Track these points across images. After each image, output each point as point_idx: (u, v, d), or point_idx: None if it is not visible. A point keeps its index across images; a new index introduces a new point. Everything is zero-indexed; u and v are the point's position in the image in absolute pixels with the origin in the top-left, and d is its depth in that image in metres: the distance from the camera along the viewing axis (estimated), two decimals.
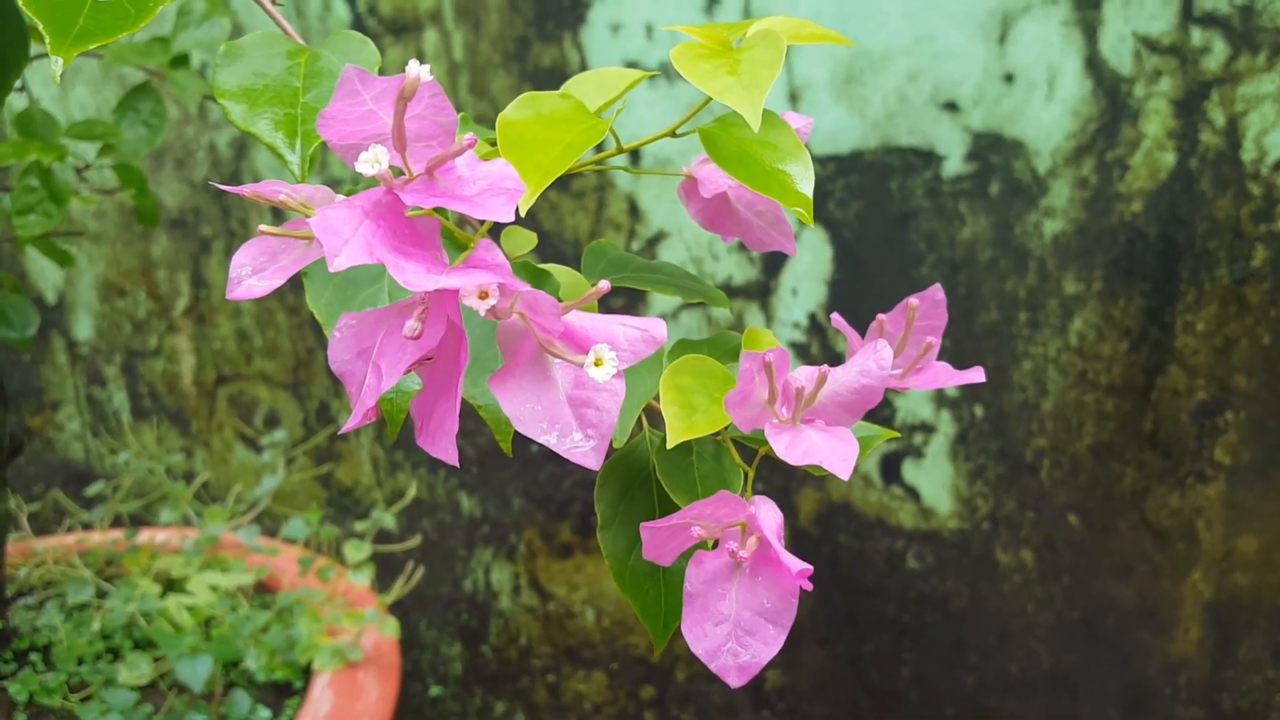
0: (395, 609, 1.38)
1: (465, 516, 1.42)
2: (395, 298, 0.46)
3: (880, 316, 0.47)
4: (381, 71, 0.47)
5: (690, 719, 1.42)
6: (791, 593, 0.40)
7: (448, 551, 1.44)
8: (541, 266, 0.47)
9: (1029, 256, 1.17)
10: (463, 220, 0.48)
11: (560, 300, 0.40)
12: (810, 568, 0.39)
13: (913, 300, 0.46)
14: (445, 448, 0.37)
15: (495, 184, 0.36)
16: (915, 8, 1.13)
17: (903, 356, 0.47)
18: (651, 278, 0.54)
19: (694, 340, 0.51)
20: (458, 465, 0.36)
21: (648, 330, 0.38)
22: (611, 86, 0.47)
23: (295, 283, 0.47)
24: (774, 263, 1.24)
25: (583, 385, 0.38)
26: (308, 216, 0.39)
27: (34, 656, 1.05)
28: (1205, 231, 1.12)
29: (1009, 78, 1.13)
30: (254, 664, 1.03)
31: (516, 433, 0.42)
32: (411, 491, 1.40)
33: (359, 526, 1.18)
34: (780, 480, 1.31)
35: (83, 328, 1.48)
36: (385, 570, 1.36)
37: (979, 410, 1.23)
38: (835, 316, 0.46)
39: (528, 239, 0.50)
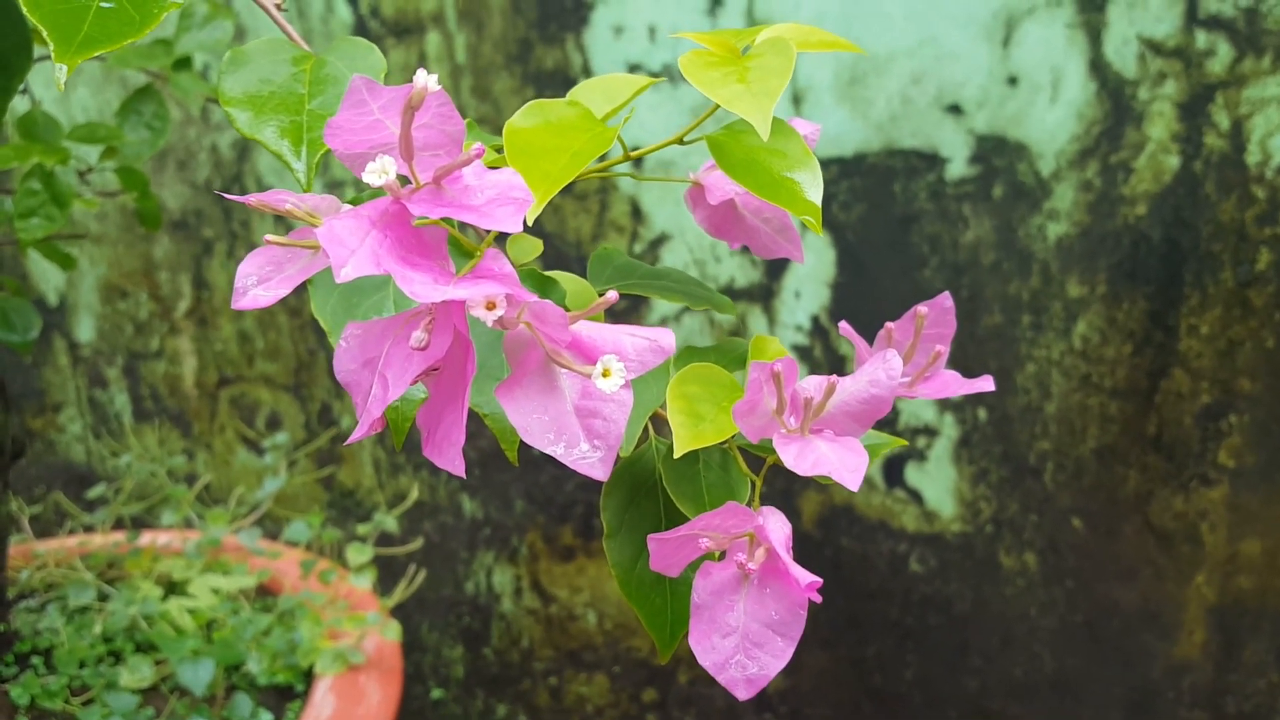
0: (397, 611, 1.37)
1: (467, 519, 1.42)
2: (400, 305, 0.46)
3: (889, 325, 0.46)
4: (387, 77, 0.46)
5: None
6: (800, 605, 0.40)
7: (449, 554, 1.44)
8: (547, 274, 0.47)
9: (1032, 259, 1.17)
10: (466, 224, 0.48)
11: (567, 309, 0.40)
12: (819, 580, 0.38)
13: (921, 308, 0.46)
14: (452, 459, 0.37)
15: (503, 193, 0.36)
16: (919, 10, 1.12)
17: (911, 364, 0.47)
18: (657, 284, 0.54)
19: (700, 348, 0.50)
20: (464, 476, 0.36)
21: (656, 340, 0.38)
22: (618, 93, 0.47)
23: (298, 285, 0.47)
24: (776, 265, 1.24)
25: (590, 395, 0.38)
26: (314, 226, 0.39)
27: (35, 659, 1.05)
28: (1209, 234, 1.12)
29: (1013, 80, 1.13)
30: (256, 667, 1.03)
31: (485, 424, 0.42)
32: (413, 494, 1.40)
33: (361, 529, 1.17)
34: (782, 483, 1.31)
35: (84, 329, 1.48)
36: (386, 573, 1.36)
37: (982, 413, 1.22)
38: (843, 325, 0.45)
39: (533, 246, 0.50)
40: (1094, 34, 1.10)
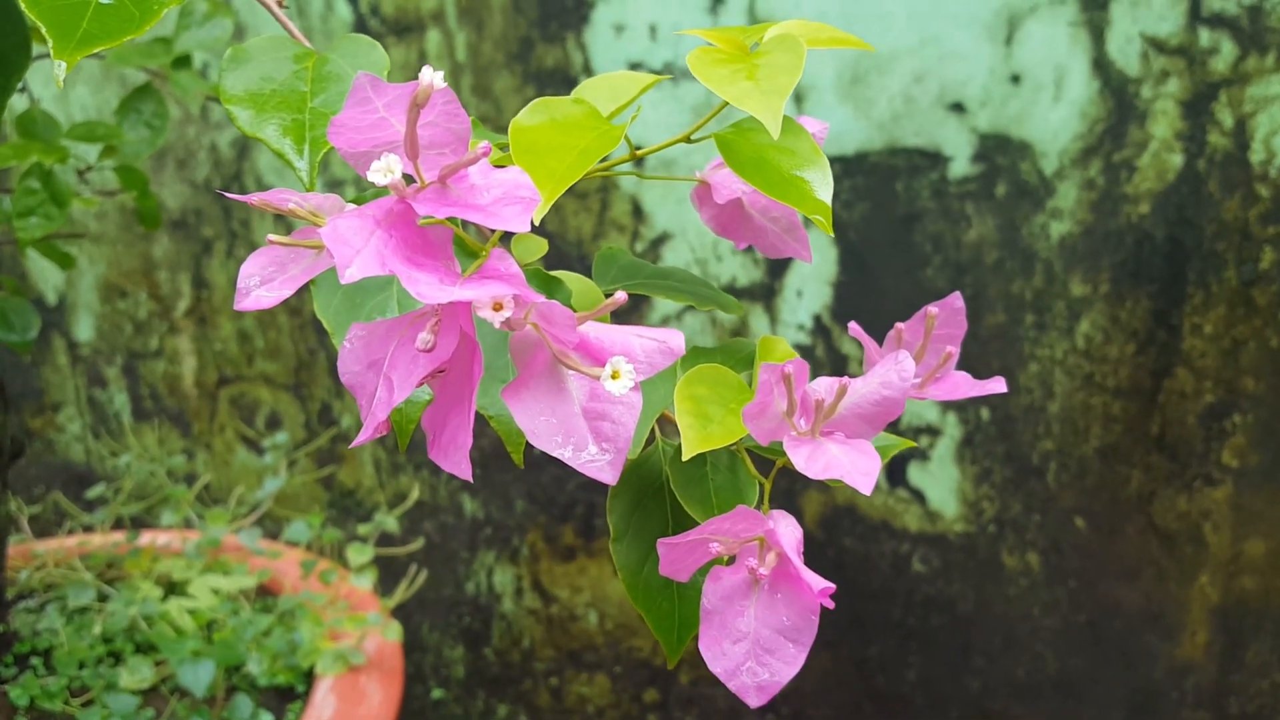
0: (397, 611, 1.37)
1: (468, 519, 1.41)
2: (404, 305, 0.46)
3: (899, 325, 0.46)
4: (388, 76, 0.46)
5: None
6: (812, 610, 0.39)
7: (450, 554, 1.43)
8: (552, 274, 0.47)
9: (1035, 258, 1.16)
10: (467, 223, 0.47)
11: (573, 309, 0.39)
12: (832, 586, 0.38)
13: (931, 309, 0.46)
14: (458, 462, 0.37)
15: (509, 192, 0.35)
16: (921, 9, 1.12)
17: (921, 365, 0.47)
18: (663, 284, 0.53)
19: (707, 348, 0.50)
20: (471, 480, 0.36)
21: (665, 342, 0.37)
22: (624, 91, 0.47)
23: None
24: (778, 264, 1.23)
25: (598, 398, 0.37)
26: (317, 225, 0.39)
27: (35, 660, 1.04)
28: (1213, 233, 1.11)
29: (1016, 79, 1.12)
30: (256, 668, 1.02)
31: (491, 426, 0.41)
32: (414, 494, 1.40)
33: (362, 529, 1.17)
34: (785, 482, 1.30)
35: (83, 329, 1.47)
36: (387, 573, 1.35)
37: (985, 413, 1.22)
38: (853, 326, 0.45)
39: (538, 245, 0.49)
40: (1097, 32, 1.09)
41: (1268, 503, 1.17)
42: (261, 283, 0.38)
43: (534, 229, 0.43)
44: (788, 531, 0.40)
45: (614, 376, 0.36)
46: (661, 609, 0.47)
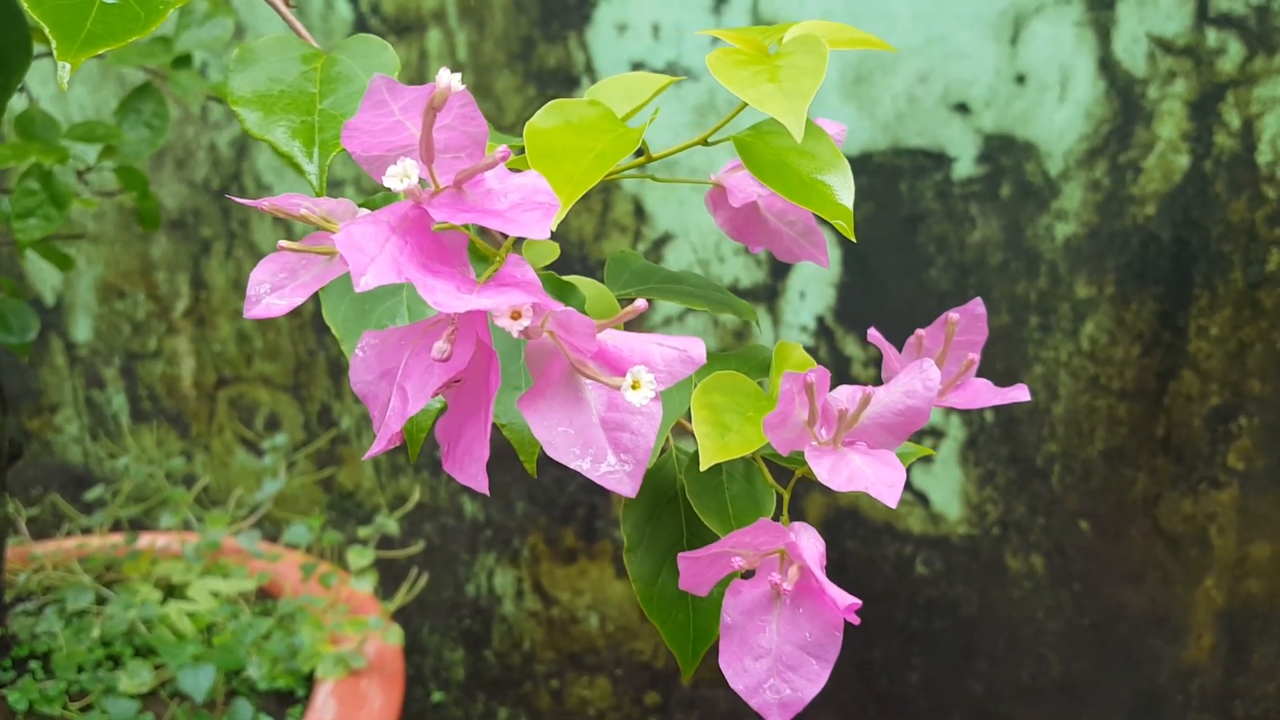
0: (396, 613, 1.36)
1: (468, 520, 1.40)
2: (414, 311, 0.45)
3: (919, 331, 0.45)
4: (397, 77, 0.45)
5: None
6: (835, 625, 0.38)
7: (450, 556, 1.42)
8: (565, 279, 0.46)
9: (1040, 260, 1.15)
10: (481, 229, 0.46)
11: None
12: (858, 601, 0.37)
13: (953, 314, 0.45)
14: (475, 474, 0.36)
15: (528, 198, 0.34)
16: (925, 8, 1.11)
17: (941, 373, 0.46)
18: (676, 289, 0.52)
19: (721, 354, 0.49)
20: (488, 492, 0.35)
21: (686, 350, 0.36)
22: (638, 92, 0.46)
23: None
24: (781, 265, 1.23)
25: (617, 407, 0.36)
26: (330, 231, 0.38)
27: (33, 664, 1.03)
28: (1219, 235, 1.11)
29: (1021, 79, 1.11)
30: (256, 672, 1.01)
31: (502, 434, 0.41)
32: (415, 496, 1.39)
33: (362, 532, 1.16)
34: (785, 483, 1.29)
35: (81, 329, 1.46)
36: (386, 574, 1.34)
37: (989, 415, 1.21)
38: (872, 332, 0.44)
39: (549, 250, 0.48)
40: (1103, 32, 1.08)
41: (1273, 506, 1.16)
42: (272, 290, 0.38)
43: None
44: (810, 544, 0.39)
45: (634, 387, 0.35)
46: (676, 620, 0.46)
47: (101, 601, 1.11)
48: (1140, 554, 1.21)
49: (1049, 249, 1.15)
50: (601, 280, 0.52)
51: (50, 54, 0.42)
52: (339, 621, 1.07)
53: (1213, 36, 1.06)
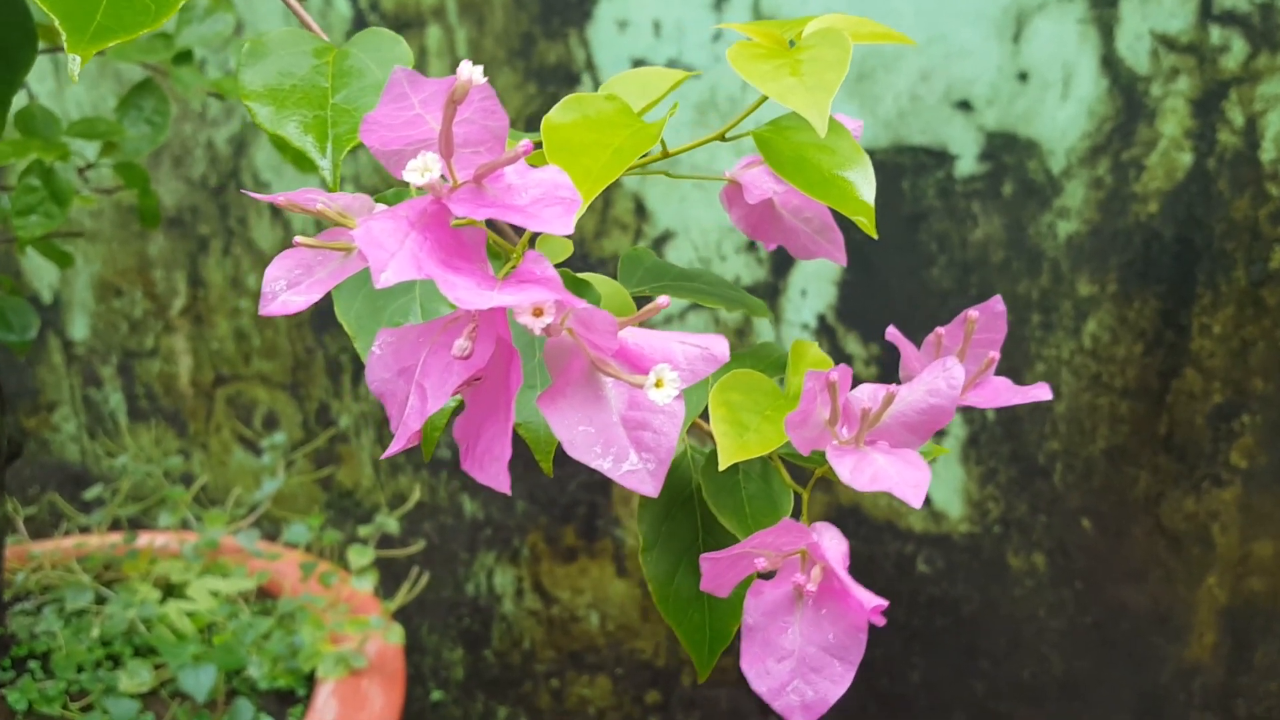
0: (397, 613, 1.35)
1: (468, 519, 1.40)
2: (427, 308, 0.44)
3: (939, 330, 0.44)
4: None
5: None
6: (859, 626, 0.38)
7: (450, 555, 1.42)
8: (580, 276, 0.45)
9: (1042, 258, 1.15)
10: (491, 223, 0.46)
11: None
12: (884, 602, 0.37)
13: (972, 312, 0.44)
14: (496, 474, 0.35)
15: (549, 193, 0.34)
16: (928, 6, 1.11)
17: None
18: (690, 286, 0.52)
19: (736, 353, 0.49)
20: (509, 492, 0.34)
21: (708, 348, 0.36)
22: (654, 87, 0.45)
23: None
24: (782, 263, 1.22)
25: (638, 406, 0.36)
26: (345, 227, 0.37)
27: (33, 664, 1.03)
28: (1222, 233, 1.10)
29: (1023, 76, 1.11)
30: (256, 672, 1.01)
31: (516, 432, 0.40)
32: (415, 495, 1.38)
33: (362, 531, 1.15)
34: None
35: (79, 328, 1.46)
36: (386, 574, 1.34)
37: (990, 413, 1.21)
38: (891, 330, 0.44)
39: (563, 247, 0.48)
40: (1106, 29, 1.08)
41: (1276, 504, 1.16)
42: (288, 286, 0.37)
43: None
44: (833, 545, 0.39)
45: (658, 385, 0.34)
46: (693, 621, 0.45)
47: (101, 601, 1.10)
48: (1142, 552, 1.21)
49: (1051, 247, 1.15)
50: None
51: (49, 50, 0.41)
52: (339, 621, 1.06)
53: (1216, 34, 1.06)
